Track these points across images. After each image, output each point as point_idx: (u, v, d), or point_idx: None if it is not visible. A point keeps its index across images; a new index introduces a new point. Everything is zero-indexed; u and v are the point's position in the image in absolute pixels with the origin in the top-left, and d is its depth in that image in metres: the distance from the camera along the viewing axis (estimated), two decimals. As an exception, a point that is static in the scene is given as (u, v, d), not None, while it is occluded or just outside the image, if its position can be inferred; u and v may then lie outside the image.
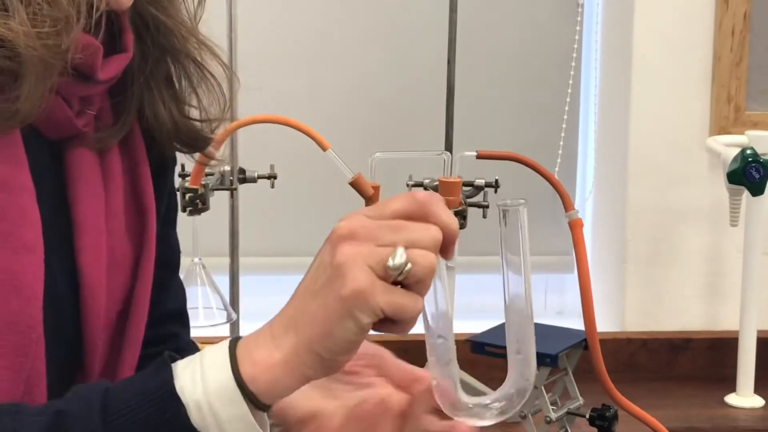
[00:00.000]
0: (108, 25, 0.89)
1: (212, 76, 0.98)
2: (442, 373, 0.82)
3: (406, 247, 0.73)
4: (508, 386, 0.84)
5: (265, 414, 0.78)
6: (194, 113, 0.99)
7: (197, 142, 1.00)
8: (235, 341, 0.78)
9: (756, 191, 1.77)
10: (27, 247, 0.82)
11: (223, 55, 0.99)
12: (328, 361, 0.75)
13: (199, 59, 0.97)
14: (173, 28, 0.95)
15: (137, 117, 0.96)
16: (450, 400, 0.83)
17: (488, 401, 0.84)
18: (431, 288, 0.77)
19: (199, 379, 0.76)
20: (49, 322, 0.84)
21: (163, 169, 1.00)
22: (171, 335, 1.03)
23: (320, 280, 0.75)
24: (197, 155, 1.04)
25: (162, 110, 0.96)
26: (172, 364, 0.77)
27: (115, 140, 0.93)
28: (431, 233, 0.75)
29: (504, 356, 1.69)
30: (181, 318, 1.06)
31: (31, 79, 0.81)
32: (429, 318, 0.81)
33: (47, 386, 0.84)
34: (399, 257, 0.73)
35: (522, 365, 0.84)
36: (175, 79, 0.97)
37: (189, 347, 1.04)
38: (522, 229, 0.81)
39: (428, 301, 0.79)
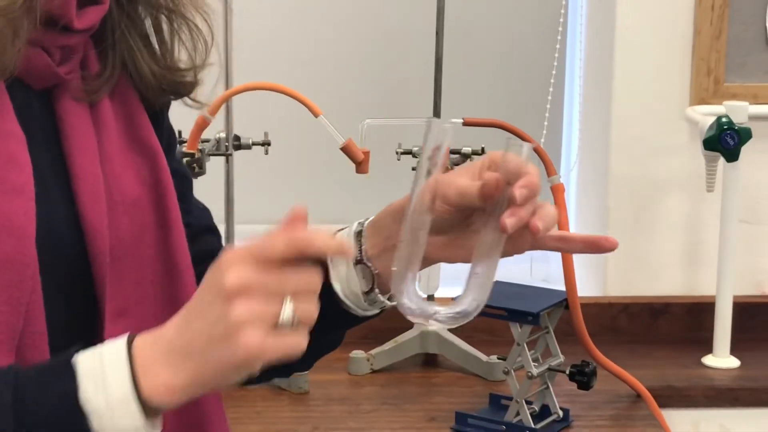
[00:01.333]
0: None
1: (195, 25, 1.01)
2: (402, 267, 0.90)
3: (292, 296, 0.81)
4: (458, 305, 0.91)
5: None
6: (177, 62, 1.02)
7: (180, 89, 1.03)
8: (129, 349, 0.83)
9: (730, 157, 1.84)
10: (17, 189, 0.87)
11: (205, 6, 1.02)
12: (218, 389, 0.86)
13: (178, 10, 1.00)
14: None
15: (125, 70, 0.99)
16: (401, 292, 0.91)
17: (432, 312, 0.92)
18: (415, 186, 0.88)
19: (101, 390, 0.82)
20: (46, 260, 0.89)
21: (156, 117, 1.04)
22: (212, 250, 1.08)
23: (217, 329, 0.81)
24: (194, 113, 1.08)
25: (141, 62, 0.99)
26: (76, 363, 0.83)
27: (105, 91, 0.97)
28: (310, 282, 0.82)
29: (488, 315, 1.76)
30: (214, 232, 1.12)
31: (3, 33, 0.86)
32: (409, 216, 0.90)
33: (54, 321, 0.90)
34: (287, 313, 0.81)
35: (477, 287, 0.90)
36: (149, 32, 1.00)
37: None
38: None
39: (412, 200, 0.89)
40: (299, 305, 0.81)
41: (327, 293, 0.99)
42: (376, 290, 1.00)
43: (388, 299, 1.01)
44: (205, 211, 1.13)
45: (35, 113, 0.93)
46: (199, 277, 1.02)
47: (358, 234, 1.01)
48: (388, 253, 0.97)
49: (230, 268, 0.81)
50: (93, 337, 0.95)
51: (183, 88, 1.03)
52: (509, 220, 0.88)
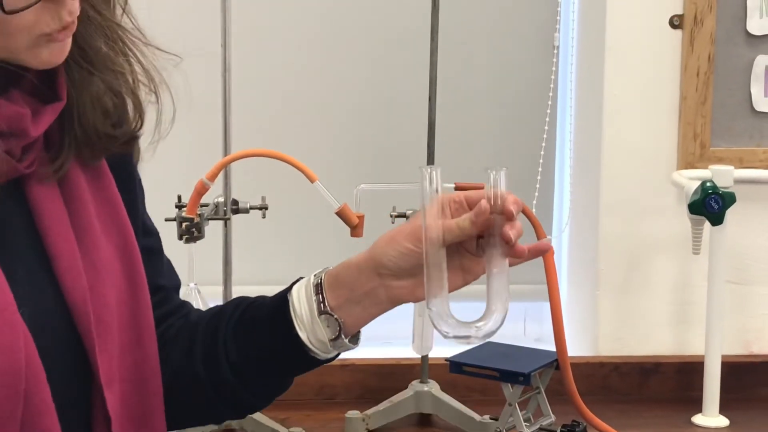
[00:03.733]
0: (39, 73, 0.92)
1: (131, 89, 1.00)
2: (433, 292, 1.01)
3: None
4: (487, 322, 1.03)
5: None
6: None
7: (115, 147, 1.01)
8: None
9: (715, 221, 1.88)
10: None
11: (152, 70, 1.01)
12: None
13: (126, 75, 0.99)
14: (108, 59, 0.98)
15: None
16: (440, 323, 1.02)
17: (468, 334, 1.03)
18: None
19: None
20: (41, 344, 0.90)
21: (130, 177, 1.05)
22: (178, 306, 1.12)
23: None
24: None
25: (89, 122, 0.97)
26: None
27: (68, 160, 0.96)
28: None
29: (480, 375, 1.78)
30: (177, 290, 1.14)
31: None
32: (428, 254, 0.99)
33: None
34: None
35: (497, 302, 1.02)
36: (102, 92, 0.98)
37: (190, 308, 1.13)
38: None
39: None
40: None
41: (291, 340, 1.04)
42: (343, 337, 1.04)
43: (349, 342, 1.05)
44: (172, 269, 1.14)
45: (7, 207, 0.93)
46: (165, 332, 1.06)
47: (318, 286, 1.04)
48: (354, 303, 1.03)
49: None
50: (90, 407, 0.97)
51: (118, 147, 1.02)
52: (511, 232, 1.01)
